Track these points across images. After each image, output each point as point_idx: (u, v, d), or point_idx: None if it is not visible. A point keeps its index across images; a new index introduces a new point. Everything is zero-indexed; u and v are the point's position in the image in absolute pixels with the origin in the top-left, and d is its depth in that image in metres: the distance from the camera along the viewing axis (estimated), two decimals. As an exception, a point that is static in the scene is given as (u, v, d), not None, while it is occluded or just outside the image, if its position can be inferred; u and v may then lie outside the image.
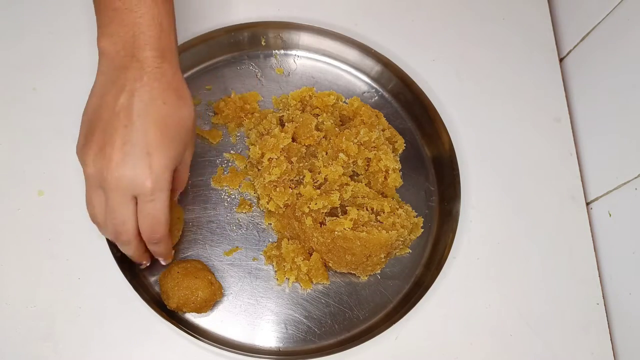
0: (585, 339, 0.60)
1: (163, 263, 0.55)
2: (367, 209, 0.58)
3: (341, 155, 0.59)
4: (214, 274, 0.56)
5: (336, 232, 0.55)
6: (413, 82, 0.66)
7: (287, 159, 0.59)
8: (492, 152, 0.67)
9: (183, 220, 0.58)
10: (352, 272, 0.58)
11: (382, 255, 0.56)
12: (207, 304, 0.54)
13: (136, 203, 0.47)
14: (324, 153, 0.60)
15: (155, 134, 0.45)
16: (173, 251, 0.56)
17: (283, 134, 0.59)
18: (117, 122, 0.45)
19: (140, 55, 0.46)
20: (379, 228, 0.56)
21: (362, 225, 0.56)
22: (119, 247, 0.51)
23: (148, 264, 0.55)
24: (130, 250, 0.51)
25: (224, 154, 0.62)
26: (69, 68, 0.64)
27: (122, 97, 0.45)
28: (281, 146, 0.58)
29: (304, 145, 0.60)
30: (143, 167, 0.45)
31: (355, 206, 0.58)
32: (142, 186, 0.45)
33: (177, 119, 0.47)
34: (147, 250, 0.52)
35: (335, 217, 0.57)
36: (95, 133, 0.46)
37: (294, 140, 0.60)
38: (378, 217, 0.58)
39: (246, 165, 0.62)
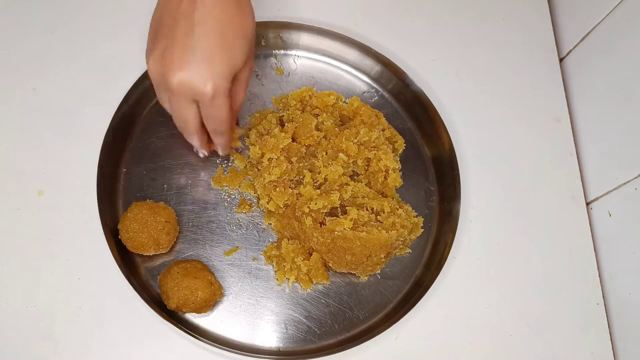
0: (585, 339, 0.60)
1: (221, 153, 0.58)
2: (367, 209, 0.58)
3: (341, 155, 0.59)
4: (214, 274, 0.56)
5: (336, 232, 0.55)
6: (413, 82, 0.66)
7: (287, 159, 0.59)
8: (492, 152, 0.67)
9: (176, 222, 0.58)
10: (352, 272, 0.58)
11: (382, 255, 0.56)
12: (207, 304, 0.54)
13: (198, 105, 0.48)
14: (324, 153, 0.60)
15: (215, 41, 0.46)
16: (233, 147, 0.59)
17: (283, 134, 0.59)
18: (178, 29, 0.46)
19: None
20: (379, 228, 0.56)
21: (362, 225, 0.56)
22: (202, 141, 0.55)
23: (207, 154, 0.59)
24: (193, 141, 0.54)
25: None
26: (69, 68, 0.64)
27: (183, 3, 0.46)
28: (281, 146, 0.58)
29: (304, 145, 0.60)
30: (203, 73, 0.46)
31: (355, 206, 0.58)
32: (203, 92, 0.46)
33: (237, 27, 0.47)
34: (210, 140, 0.55)
35: (335, 217, 0.57)
36: (158, 38, 0.47)
37: (293, 140, 0.60)
38: (378, 217, 0.58)
39: (246, 165, 0.62)
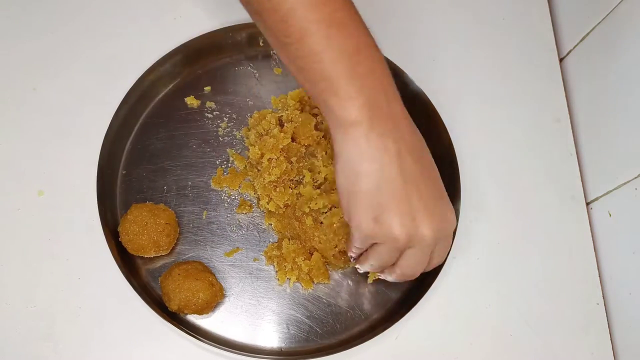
0: (585, 339, 0.60)
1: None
2: None
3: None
4: (215, 276, 0.56)
5: (335, 224, 0.55)
6: (412, 81, 0.66)
7: (286, 159, 0.59)
8: (492, 152, 0.67)
9: (176, 224, 0.58)
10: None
11: None
12: (209, 306, 0.54)
13: None
14: (324, 153, 0.60)
15: (438, 181, 0.49)
16: None
17: (282, 134, 0.59)
18: (407, 187, 0.46)
19: (393, 113, 0.46)
20: None
21: None
22: (388, 277, 0.54)
23: None
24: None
25: (227, 149, 0.63)
26: (69, 68, 0.64)
27: (396, 167, 0.45)
28: (280, 146, 0.58)
29: (304, 145, 0.60)
30: (448, 213, 0.48)
31: None
32: (448, 230, 0.50)
33: (428, 155, 0.49)
34: None
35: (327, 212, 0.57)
36: (391, 205, 0.46)
37: (293, 140, 0.60)
38: None
39: (246, 166, 0.62)
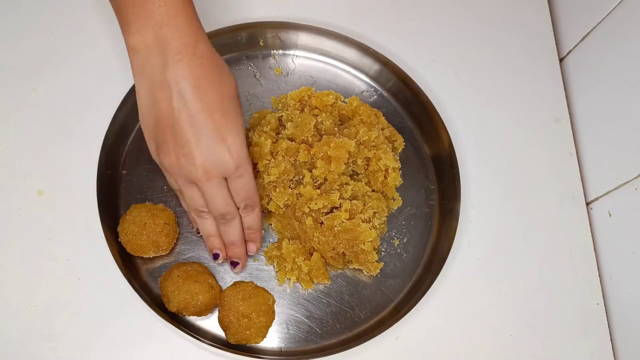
0: (585, 339, 0.60)
1: (253, 251, 0.57)
2: (360, 198, 0.58)
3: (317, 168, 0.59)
4: (214, 277, 0.56)
5: (335, 228, 0.55)
6: (412, 80, 0.66)
7: (286, 159, 0.58)
8: (492, 152, 0.67)
9: (175, 224, 0.58)
10: (360, 266, 0.58)
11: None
12: (208, 308, 0.54)
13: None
14: (324, 153, 0.60)
15: (219, 118, 0.48)
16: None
17: (282, 134, 0.59)
18: (183, 124, 0.47)
19: (175, 46, 0.46)
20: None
21: (360, 213, 0.57)
22: (223, 232, 0.55)
23: (243, 268, 0.58)
24: (236, 230, 0.55)
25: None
26: (69, 68, 0.64)
27: (175, 101, 0.47)
28: (280, 147, 0.58)
29: (304, 145, 0.60)
30: (223, 151, 0.49)
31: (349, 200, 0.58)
32: (228, 168, 0.50)
33: (227, 94, 0.49)
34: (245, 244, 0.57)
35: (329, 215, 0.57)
36: (166, 140, 0.49)
37: (293, 140, 0.60)
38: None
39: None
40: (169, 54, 0.46)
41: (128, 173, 0.60)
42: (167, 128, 0.48)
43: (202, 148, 0.48)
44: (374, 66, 0.68)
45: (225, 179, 0.51)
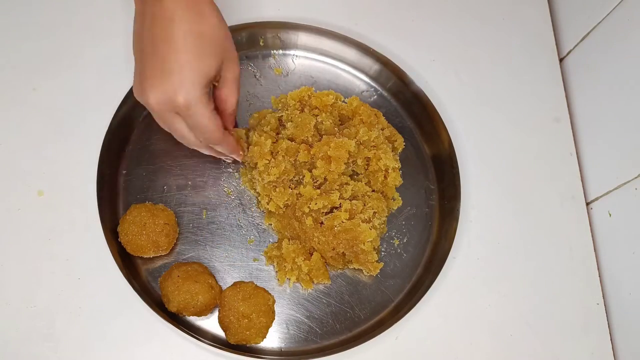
0: (585, 339, 0.60)
1: (239, 159, 0.59)
2: (360, 198, 0.58)
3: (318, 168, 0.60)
4: (214, 277, 0.56)
5: (335, 228, 0.55)
6: (412, 80, 0.66)
7: (286, 159, 0.58)
8: (492, 152, 0.67)
9: (175, 224, 0.58)
10: (361, 266, 0.58)
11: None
12: (208, 308, 0.54)
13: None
14: (325, 153, 0.60)
15: (181, 54, 0.47)
16: (241, 150, 0.59)
17: (282, 134, 0.59)
18: (146, 50, 0.48)
19: None
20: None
21: (360, 213, 0.57)
22: (219, 151, 0.56)
23: (229, 161, 0.61)
24: (227, 147, 0.56)
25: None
26: (69, 68, 0.64)
27: (145, 29, 0.48)
28: (280, 147, 0.58)
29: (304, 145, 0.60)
30: (172, 85, 0.48)
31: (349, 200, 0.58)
32: (176, 104, 0.48)
33: (201, 34, 0.48)
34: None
35: (329, 215, 0.57)
36: (141, 68, 0.49)
37: (293, 140, 0.60)
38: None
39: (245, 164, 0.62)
40: None
41: (128, 173, 0.61)
42: (138, 53, 0.49)
43: (157, 76, 0.48)
44: (374, 66, 0.68)
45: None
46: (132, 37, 0.50)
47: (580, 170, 0.67)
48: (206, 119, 0.50)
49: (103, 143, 0.59)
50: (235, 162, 0.61)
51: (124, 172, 0.60)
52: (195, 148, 0.56)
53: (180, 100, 0.48)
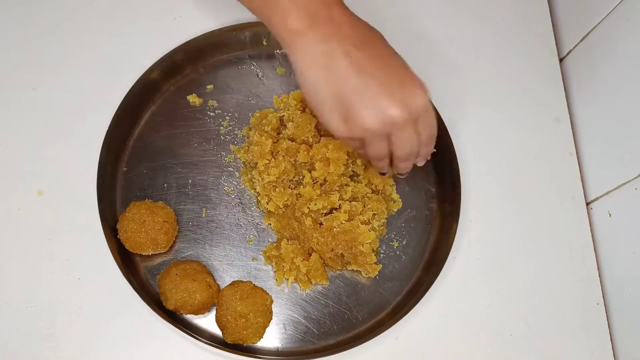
0: (585, 339, 0.60)
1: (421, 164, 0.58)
2: (359, 199, 0.58)
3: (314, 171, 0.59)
4: (212, 276, 0.56)
5: (335, 229, 0.55)
6: (413, 81, 0.66)
7: (286, 159, 0.58)
8: (492, 152, 0.67)
9: (174, 222, 0.58)
10: (359, 268, 0.58)
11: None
12: (205, 307, 0.54)
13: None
14: (325, 154, 0.60)
15: (399, 61, 0.50)
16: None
17: (283, 134, 0.59)
18: (367, 77, 0.47)
19: (332, 16, 0.48)
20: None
21: (359, 215, 0.57)
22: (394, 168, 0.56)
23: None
24: (400, 166, 0.55)
25: (231, 145, 0.63)
26: (69, 68, 0.64)
27: (346, 64, 0.47)
28: (280, 147, 0.58)
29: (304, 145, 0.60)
30: (412, 92, 0.48)
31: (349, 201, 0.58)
32: (420, 107, 0.49)
33: (381, 41, 0.51)
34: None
35: (329, 215, 0.57)
36: (355, 101, 0.48)
37: (293, 140, 0.60)
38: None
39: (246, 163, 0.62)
40: (328, 28, 0.48)
41: (129, 170, 0.61)
42: (350, 90, 0.48)
43: (395, 94, 0.48)
44: (374, 66, 0.67)
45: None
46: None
47: (580, 170, 0.67)
48: (435, 117, 0.53)
49: (103, 142, 0.59)
50: (250, 163, 0.61)
51: (125, 169, 0.61)
52: (408, 158, 0.54)
53: (422, 103, 0.49)
